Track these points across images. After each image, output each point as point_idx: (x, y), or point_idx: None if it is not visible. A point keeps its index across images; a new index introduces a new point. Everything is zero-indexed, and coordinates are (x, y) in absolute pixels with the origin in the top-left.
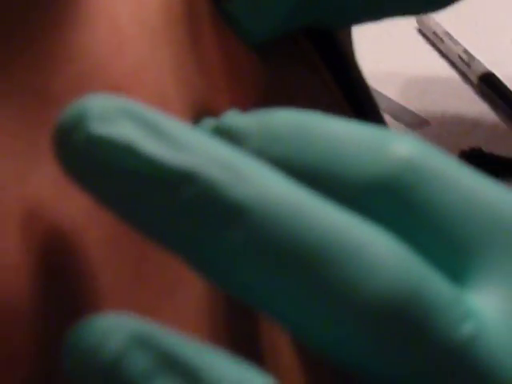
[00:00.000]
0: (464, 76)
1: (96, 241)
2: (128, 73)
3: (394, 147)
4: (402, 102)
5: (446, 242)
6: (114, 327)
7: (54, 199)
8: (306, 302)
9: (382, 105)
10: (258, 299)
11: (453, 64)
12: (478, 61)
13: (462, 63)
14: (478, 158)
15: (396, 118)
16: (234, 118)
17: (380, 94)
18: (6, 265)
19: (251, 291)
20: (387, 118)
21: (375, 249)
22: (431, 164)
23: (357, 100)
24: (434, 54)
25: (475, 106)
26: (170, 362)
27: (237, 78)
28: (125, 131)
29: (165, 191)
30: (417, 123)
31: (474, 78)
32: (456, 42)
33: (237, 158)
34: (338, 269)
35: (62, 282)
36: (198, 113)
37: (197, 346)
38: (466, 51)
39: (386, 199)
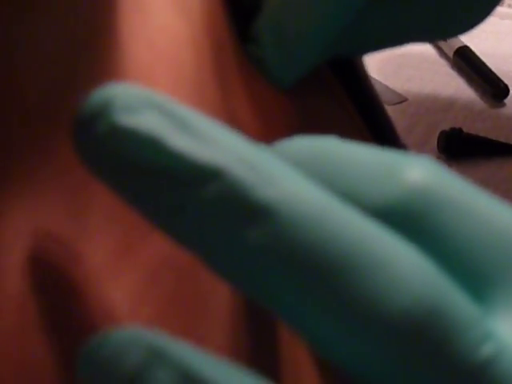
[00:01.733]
0: (440, 50)
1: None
2: None
3: (407, 173)
4: (379, 78)
5: (464, 266)
6: (131, 340)
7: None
8: (327, 313)
9: None
10: (278, 304)
11: None
12: None
13: None
14: (457, 138)
15: None
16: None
17: None
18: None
19: (272, 295)
20: None
21: (401, 262)
22: (444, 190)
23: (379, 129)
24: None
25: (451, 82)
26: (189, 379)
27: (267, 121)
28: (150, 123)
29: (189, 187)
30: (395, 100)
31: (449, 53)
32: None
33: (265, 158)
34: (362, 281)
35: None
36: None
37: (213, 362)
38: None
39: (399, 226)
